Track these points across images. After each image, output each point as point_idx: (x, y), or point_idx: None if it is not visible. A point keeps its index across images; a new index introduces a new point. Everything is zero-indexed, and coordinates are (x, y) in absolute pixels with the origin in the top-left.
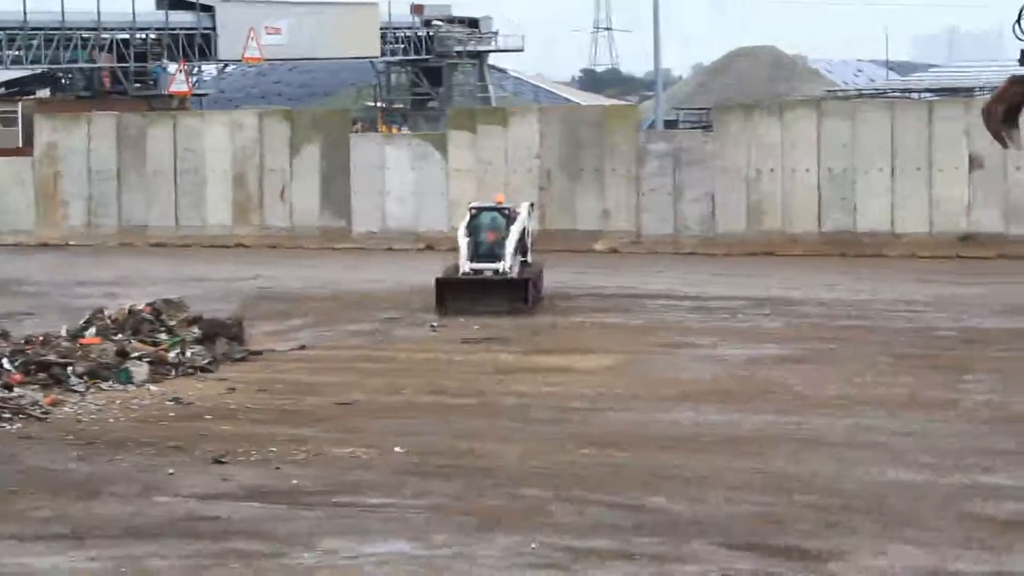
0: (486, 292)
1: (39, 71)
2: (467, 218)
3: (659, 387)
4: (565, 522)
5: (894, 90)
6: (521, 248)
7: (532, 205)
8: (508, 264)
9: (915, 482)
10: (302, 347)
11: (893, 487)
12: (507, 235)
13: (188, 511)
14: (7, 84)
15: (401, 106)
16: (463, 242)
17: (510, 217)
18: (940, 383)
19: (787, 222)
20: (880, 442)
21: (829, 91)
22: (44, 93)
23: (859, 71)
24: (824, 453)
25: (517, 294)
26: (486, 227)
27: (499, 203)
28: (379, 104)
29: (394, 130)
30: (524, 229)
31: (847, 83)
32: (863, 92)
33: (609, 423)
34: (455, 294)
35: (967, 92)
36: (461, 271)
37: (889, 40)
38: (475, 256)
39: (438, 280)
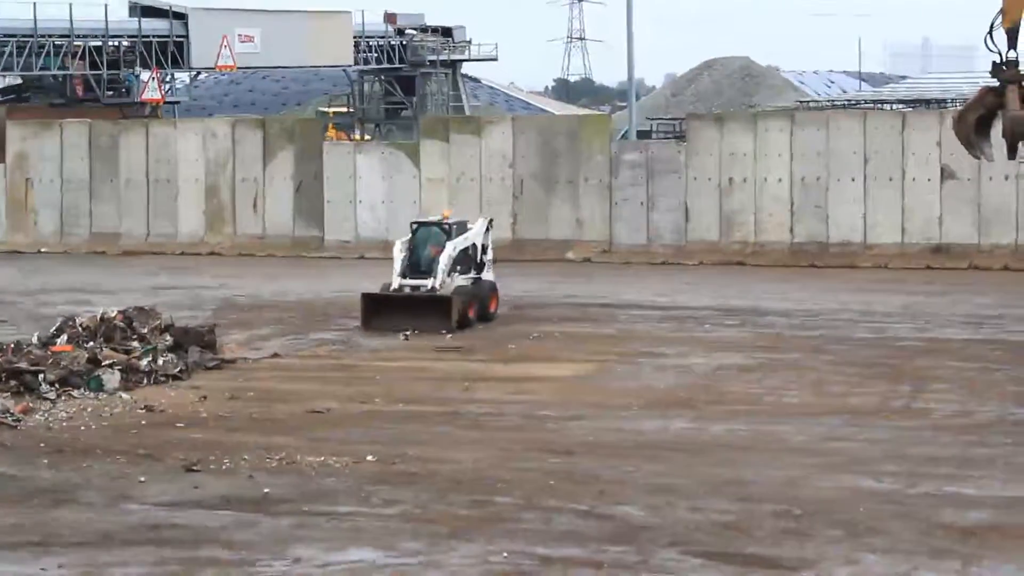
0: (412, 309)
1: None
2: (409, 233)
3: (626, 396)
4: (534, 530)
5: (867, 101)
6: (476, 265)
7: (491, 221)
8: (439, 281)
9: (882, 490)
10: (274, 355)
11: (860, 495)
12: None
13: (158, 519)
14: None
15: (343, 110)
16: (398, 257)
17: (451, 233)
18: (906, 393)
19: (759, 232)
20: (846, 450)
21: (802, 102)
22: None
23: (831, 82)
24: (790, 462)
25: (441, 313)
26: (429, 243)
27: (445, 217)
28: (328, 111)
29: (352, 137)
30: (475, 245)
31: (820, 94)
32: (836, 103)
33: (577, 432)
34: (381, 310)
35: (940, 104)
36: (392, 287)
37: (862, 52)
38: (414, 272)
39: (364, 295)
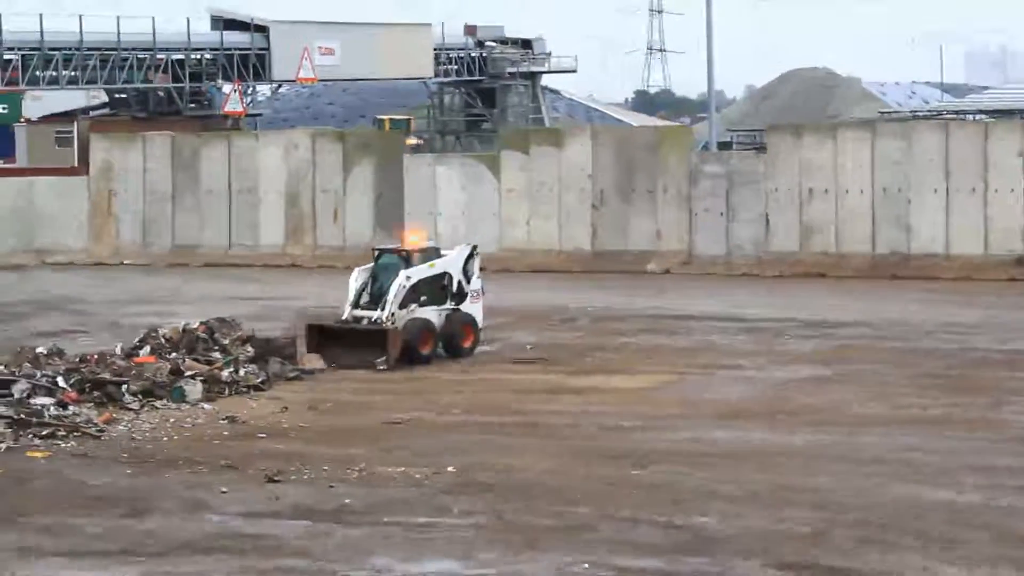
0: (355, 342)
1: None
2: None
3: (703, 407)
4: (611, 541)
5: (948, 112)
6: (453, 296)
7: (474, 248)
8: (387, 313)
9: (961, 501)
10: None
11: (938, 506)
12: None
13: (237, 528)
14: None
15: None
16: (352, 286)
17: (409, 261)
18: (984, 405)
19: (839, 243)
20: (924, 461)
21: (883, 112)
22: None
23: (913, 93)
24: (867, 472)
25: (382, 347)
26: (390, 271)
27: (412, 244)
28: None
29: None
30: (450, 275)
31: (901, 105)
32: (917, 114)
33: (653, 442)
34: (327, 342)
35: (1022, 114)
36: (343, 317)
37: (944, 62)
38: (376, 303)
39: (308, 326)
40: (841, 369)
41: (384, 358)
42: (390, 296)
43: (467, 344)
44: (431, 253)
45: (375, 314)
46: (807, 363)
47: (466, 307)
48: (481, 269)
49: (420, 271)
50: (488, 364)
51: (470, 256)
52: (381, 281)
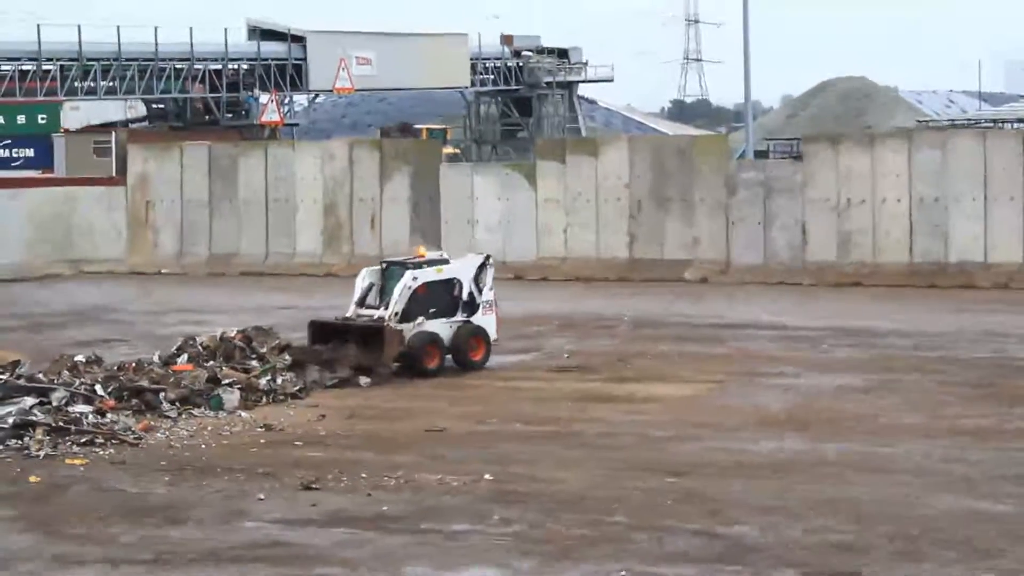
0: (353, 339)
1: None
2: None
3: (740, 416)
4: (646, 550)
5: (986, 120)
6: (464, 307)
7: (487, 258)
8: (391, 312)
9: (1000, 512)
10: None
11: (977, 517)
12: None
13: (275, 537)
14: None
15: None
16: (359, 285)
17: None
18: None
19: (877, 252)
20: (963, 472)
21: (920, 121)
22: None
23: (951, 102)
24: (905, 482)
25: (373, 346)
26: (397, 278)
27: (420, 256)
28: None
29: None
30: (459, 283)
31: (938, 114)
32: (955, 123)
33: (690, 451)
34: (328, 339)
35: None
36: (346, 315)
37: (982, 71)
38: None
39: (311, 322)
40: (880, 378)
41: (368, 378)
42: (395, 295)
43: (477, 357)
44: (439, 263)
45: (378, 312)
46: (846, 372)
47: (478, 319)
48: (517, 277)
49: (426, 273)
50: (527, 372)
51: (482, 266)
52: (389, 288)
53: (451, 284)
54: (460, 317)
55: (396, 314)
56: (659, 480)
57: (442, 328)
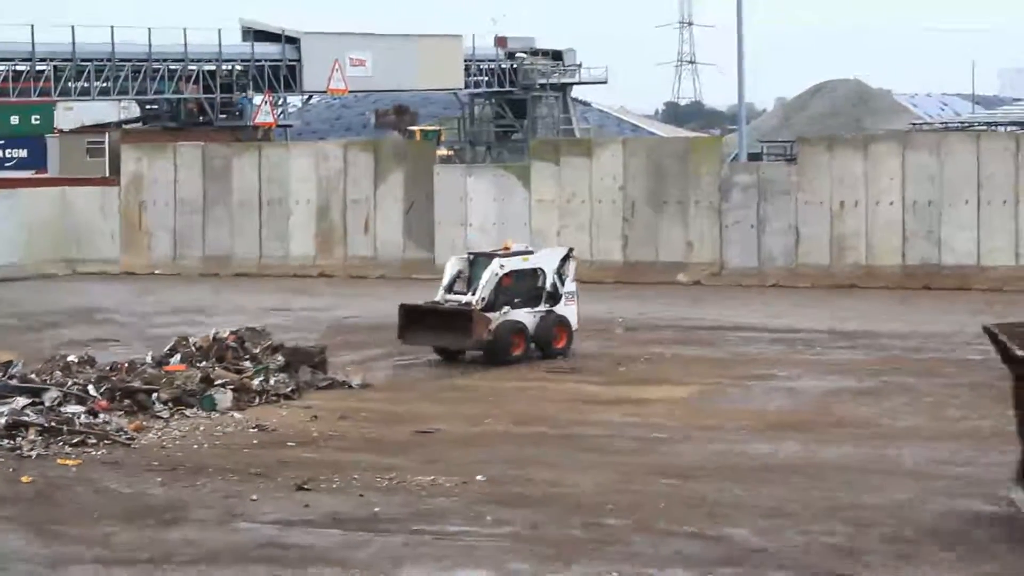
0: (442, 323)
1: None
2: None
3: (738, 418)
4: (644, 553)
5: (980, 124)
6: (548, 297)
7: (570, 251)
8: (478, 297)
9: (1000, 515)
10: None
11: (976, 520)
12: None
13: (269, 537)
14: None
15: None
16: (448, 272)
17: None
18: None
19: (871, 255)
20: (962, 474)
21: (914, 124)
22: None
23: (945, 105)
24: (904, 485)
25: (461, 330)
26: (483, 267)
27: (506, 249)
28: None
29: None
30: (543, 274)
31: (933, 117)
32: (949, 126)
33: (687, 454)
34: (416, 323)
35: None
36: (434, 300)
37: (976, 74)
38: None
39: (401, 306)
40: (877, 380)
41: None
42: (482, 281)
43: (560, 345)
44: (524, 254)
45: (464, 297)
46: (843, 374)
47: (560, 308)
48: None
49: (513, 262)
50: (521, 374)
51: (565, 258)
52: (476, 276)
53: (535, 274)
54: (543, 307)
55: (483, 299)
56: (657, 482)
57: (526, 317)
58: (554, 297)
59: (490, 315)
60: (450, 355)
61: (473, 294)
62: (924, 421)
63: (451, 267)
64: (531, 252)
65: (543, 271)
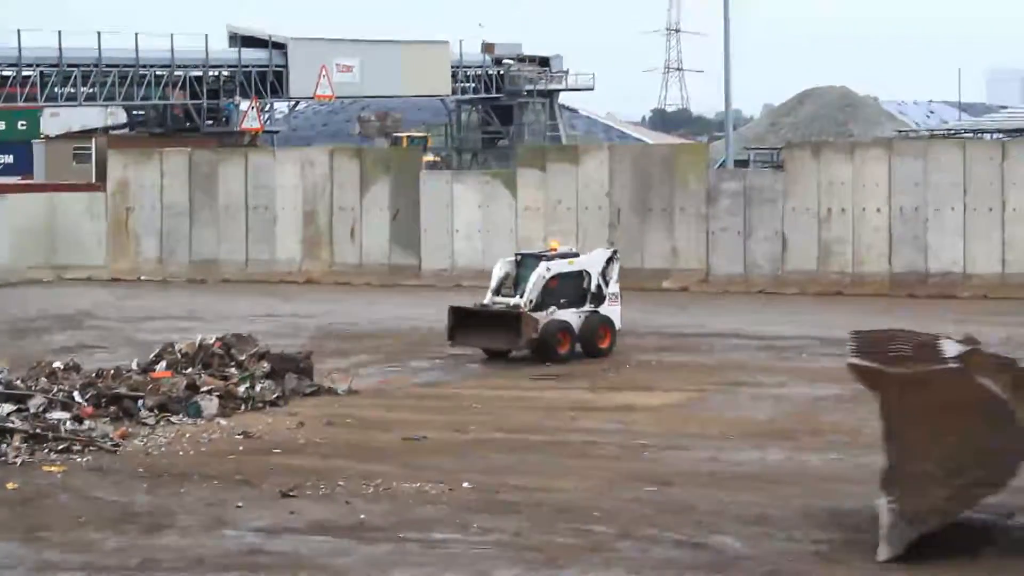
0: (490, 325)
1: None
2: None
3: (724, 426)
4: (630, 559)
5: (966, 131)
6: (593, 298)
7: (615, 251)
8: (526, 299)
9: (983, 521)
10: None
11: (959, 528)
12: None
13: (254, 544)
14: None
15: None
16: (496, 275)
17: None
18: None
19: (857, 262)
20: None
21: (900, 131)
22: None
23: (931, 112)
24: None
25: (514, 330)
26: (531, 268)
27: (552, 250)
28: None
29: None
30: (588, 275)
31: (919, 124)
32: (935, 133)
33: (674, 461)
34: (465, 325)
35: None
36: (483, 303)
37: (962, 81)
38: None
39: (451, 307)
40: (862, 388)
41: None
42: (529, 284)
43: (604, 345)
44: (570, 256)
45: (513, 300)
46: (829, 381)
47: (604, 309)
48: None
49: (559, 265)
50: (507, 381)
51: (610, 260)
52: (523, 277)
53: (581, 276)
54: (588, 307)
55: (530, 301)
56: (643, 489)
57: (572, 317)
58: (599, 298)
59: (537, 315)
60: (497, 355)
61: (520, 296)
62: None
63: (498, 270)
64: (576, 255)
65: (588, 273)
